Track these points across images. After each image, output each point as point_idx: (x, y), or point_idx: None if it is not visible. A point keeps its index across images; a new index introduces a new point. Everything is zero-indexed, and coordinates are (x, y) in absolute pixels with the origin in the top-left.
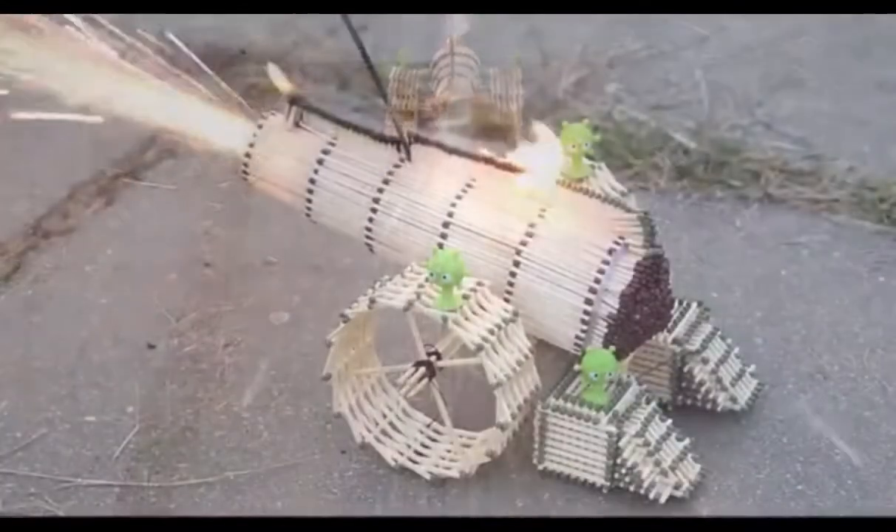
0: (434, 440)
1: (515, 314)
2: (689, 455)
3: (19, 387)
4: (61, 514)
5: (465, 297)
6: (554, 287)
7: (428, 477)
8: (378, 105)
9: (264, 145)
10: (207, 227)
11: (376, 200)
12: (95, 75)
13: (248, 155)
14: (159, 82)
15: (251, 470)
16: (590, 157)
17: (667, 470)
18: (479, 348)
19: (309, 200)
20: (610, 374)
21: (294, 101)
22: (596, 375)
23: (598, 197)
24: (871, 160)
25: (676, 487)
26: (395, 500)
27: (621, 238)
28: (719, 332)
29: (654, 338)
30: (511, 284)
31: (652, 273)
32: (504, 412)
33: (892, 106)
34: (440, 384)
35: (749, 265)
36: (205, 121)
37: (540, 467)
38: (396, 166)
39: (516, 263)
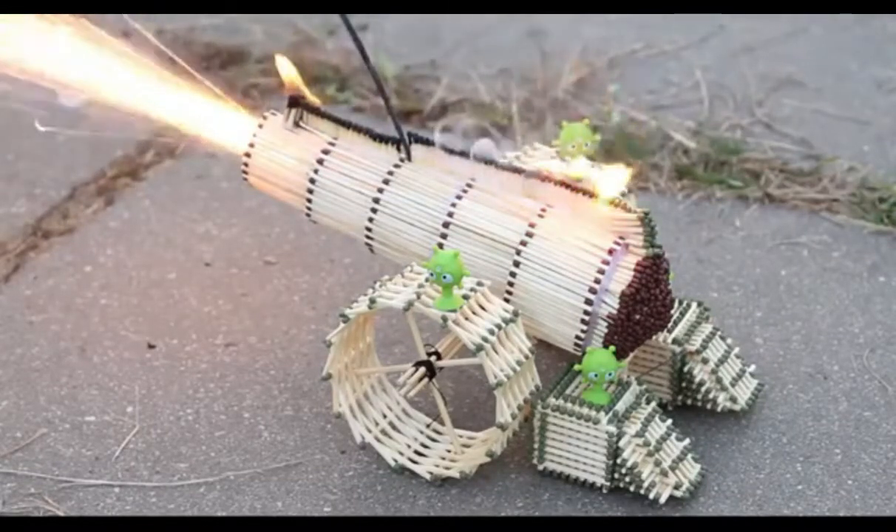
0: (434, 440)
1: (515, 314)
2: (689, 455)
3: (19, 387)
4: (61, 514)
5: (465, 297)
6: (554, 287)
7: (428, 477)
8: (378, 105)
9: (264, 145)
10: (207, 227)
11: (376, 200)
12: (95, 75)
13: (248, 155)
14: (159, 81)
15: (251, 470)
16: (590, 158)
17: (667, 470)
18: (479, 348)
19: (309, 200)
20: (610, 374)
21: (294, 101)
22: (596, 375)
23: None
24: (871, 160)
25: (676, 487)
26: (395, 500)
27: (621, 238)
28: (719, 332)
29: (654, 338)
30: (511, 284)
31: (652, 273)
32: (504, 412)
33: (892, 106)
34: (440, 384)
35: (749, 265)
36: (205, 120)
37: (540, 467)
38: (396, 166)
39: (516, 263)
